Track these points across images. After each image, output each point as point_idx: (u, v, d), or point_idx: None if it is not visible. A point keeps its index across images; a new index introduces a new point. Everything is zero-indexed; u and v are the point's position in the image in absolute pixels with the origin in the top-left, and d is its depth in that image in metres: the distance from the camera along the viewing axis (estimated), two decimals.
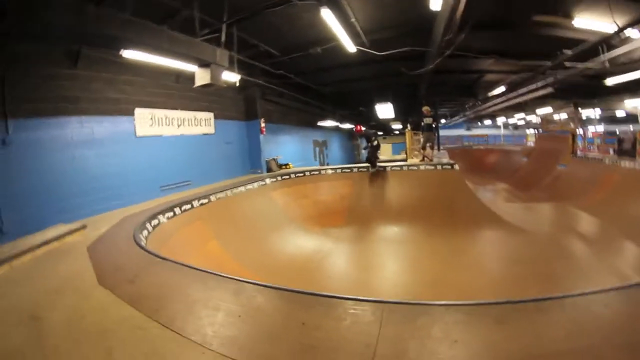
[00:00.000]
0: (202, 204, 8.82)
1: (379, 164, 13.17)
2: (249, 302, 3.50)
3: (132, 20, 5.54)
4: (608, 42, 9.21)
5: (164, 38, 6.11)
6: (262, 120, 14.23)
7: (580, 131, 17.35)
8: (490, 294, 6.42)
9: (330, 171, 13.83)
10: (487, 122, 41.63)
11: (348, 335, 2.78)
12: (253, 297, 3.57)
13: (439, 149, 20.85)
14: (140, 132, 9.43)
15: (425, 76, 13.51)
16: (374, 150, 13.27)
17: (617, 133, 14.88)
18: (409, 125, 18.74)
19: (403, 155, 22.35)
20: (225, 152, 13.12)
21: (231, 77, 8.84)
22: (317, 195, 12.89)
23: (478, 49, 11.45)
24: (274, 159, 14.83)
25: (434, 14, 8.14)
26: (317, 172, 13.78)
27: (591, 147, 17.16)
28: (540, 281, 7.06)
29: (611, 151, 14.04)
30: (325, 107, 20.38)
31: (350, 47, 9.46)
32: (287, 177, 13.07)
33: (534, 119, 31.68)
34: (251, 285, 3.78)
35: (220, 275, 4.05)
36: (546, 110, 23.07)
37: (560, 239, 9.62)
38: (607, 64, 10.15)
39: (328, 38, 9.65)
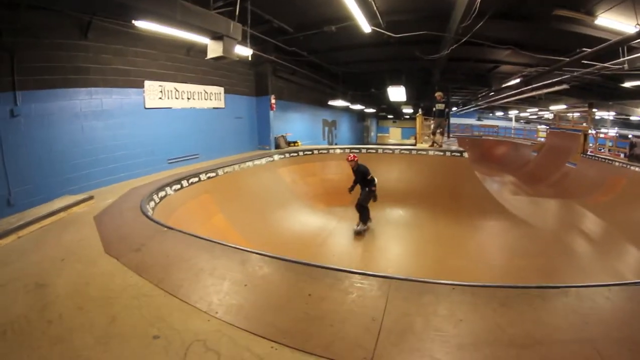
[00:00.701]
0: (209, 178, 8.90)
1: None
2: (255, 271, 3.51)
3: None
4: (629, 43, 8.98)
5: (177, 8, 6.00)
6: (273, 96, 14.12)
7: (592, 131, 17.12)
8: (491, 282, 6.43)
9: (338, 150, 13.84)
10: (499, 113, 41.36)
11: (354, 308, 2.79)
12: (259, 267, 3.57)
13: (448, 136, 20.70)
14: (149, 104, 9.38)
15: (440, 62, 13.32)
16: (368, 196, 9.69)
17: (630, 137, 14.71)
18: (420, 110, 18.59)
19: (412, 140, 22.25)
20: (234, 127, 13.09)
21: (244, 51, 8.73)
22: (324, 174, 12.99)
23: (495, 39, 11.23)
24: (282, 136, 14.76)
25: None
26: (325, 151, 13.88)
27: (602, 149, 17.00)
28: (540, 275, 7.13)
29: (622, 155, 13.84)
30: (337, 87, 20.21)
31: (366, 27, 9.27)
32: (295, 154, 13.12)
33: (546, 114, 31.42)
34: (257, 255, 3.79)
35: (227, 245, 4.06)
36: (560, 107, 22.85)
37: (564, 236, 9.66)
38: (625, 66, 10.00)
39: (343, 17, 9.46)
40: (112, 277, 3.49)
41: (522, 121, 42.44)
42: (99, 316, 2.83)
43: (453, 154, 12.70)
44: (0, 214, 5.90)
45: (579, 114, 21.95)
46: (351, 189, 9.94)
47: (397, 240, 9.53)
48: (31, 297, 3.22)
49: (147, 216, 5.33)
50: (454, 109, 32.39)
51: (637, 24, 7.83)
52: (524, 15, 9.62)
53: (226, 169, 9.70)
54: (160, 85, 9.70)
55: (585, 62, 11.02)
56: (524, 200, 13.86)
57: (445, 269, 7.48)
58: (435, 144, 13.66)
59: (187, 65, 10.63)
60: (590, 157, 15.23)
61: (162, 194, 7.10)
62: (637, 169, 11.65)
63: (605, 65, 10.86)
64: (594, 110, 20.18)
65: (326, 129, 23.71)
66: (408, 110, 26.60)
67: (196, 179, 8.40)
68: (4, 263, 4.06)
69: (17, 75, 6.46)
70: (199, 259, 3.78)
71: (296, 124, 18.06)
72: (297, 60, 14.57)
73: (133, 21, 6.77)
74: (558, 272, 7.45)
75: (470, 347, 2.38)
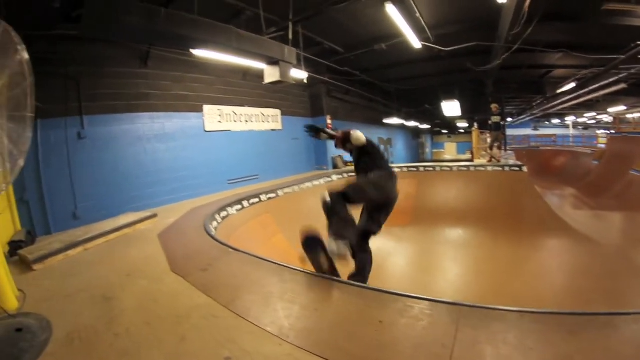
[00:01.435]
0: (269, 198, 9.06)
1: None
2: (324, 296, 3.49)
3: (202, 20, 5.74)
4: None
5: (233, 37, 6.27)
6: (329, 116, 14.31)
7: None
8: (553, 306, 6.10)
9: (395, 170, 13.54)
10: (555, 121, 39.70)
11: (425, 335, 2.75)
12: (328, 293, 3.56)
13: (505, 149, 20.19)
14: (209, 127, 9.84)
15: (492, 72, 13.05)
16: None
17: None
18: (475, 124, 18.24)
19: (468, 155, 21.79)
20: (292, 148, 13.37)
21: (299, 74, 8.95)
22: None
23: (545, 43, 10.98)
24: (340, 156, 14.84)
25: (500, 7, 7.89)
26: None
27: None
28: (605, 298, 6.55)
29: None
30: (390, 105, 20.20)
31: (416, 42, 9.32)
32: (353, 174, 12.94)
33: (605, 117, 29.98)
34: (326, 280, 3.77)
35: (295, 269, 4.06)
36: (619, 108, 21.70)
37: (631, 253, 8.86)
38: None
39: (392, 34, 9.57)
40: (179, 296, 3.55)
41: (580, 127, 40.57)
42: (168, 334, 2.85)
43: (512, 168, 12.33)
44: (67, 226, 6.50)
45: None
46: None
47: (457, 261, 9.30)
48: (98, 309, 3.32)
49: (212, 236, 5.49)
50: (509, 119, 31.54)
51: None
52: (572, 15, 9.28)
53: (286, 190, 9.88)
54: (218, 109, 10.14)
55: None
56: (586, 214, 13.04)
57: (505, 291, 7.20)
58: (493, 159, 13.35)
59: (243, 89, 11.05)
60: None
61: (224, 213, 7.33)
62: None
63: None
64: None
65: (382, 147, 23.39)
66: (463, 124, 26.14)
67: (256, 200, 8.62)
68: (71, 274, 4.28)
69: (83, 101, 7.17)
70: (268, 281, 3.80)
71: None
72: (349, 79, 14.68)
73: (191, 50, 7.09)
74: (624, 294, 6.87)
75: None
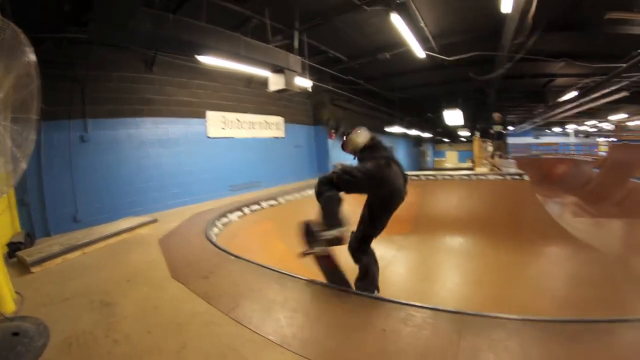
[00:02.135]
0: (270, 205, 9.08)
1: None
2: (327, 305, 3.49)
3: (210, 27, 5.78)
4: None
5: (240, 45, 6.30)
6: None
7: None
8: (553, 314, 6.09)
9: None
10: (556, 129, 39.76)
11: (428, 344, 2.76)
12: (330, 301, 3.55)
13: (507, 158, 20.24)
14: (212, 133, 9.84)
15: (494, 81, 13.07)
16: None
17: None
18: (477, 133, 18.27)
19: (469, 164, 21.84)
20: (294, 155, 13.41)
21: (303, 82, 8.96)
22: None
23: (548, 52, 10.97)
24: (341, 164, 14.65)
25: (504, 17, 7.88)
26: None
27: None
28: (607, 306, 6.60)
29: None
30: (393, 113, 20.19)
31: (419, 52, 9.32)
32: None
33: (606, 125, 29.98)
34: (329, 289, 3.78)
35: (297, 277, 4.06)
36: (620, 116, 21.66)
37: (631, 260, 8.92)
38: None
39: (397, 43, 9.57)
40: (180, 303, 3.53)
41: (581, 135, 40.60)
42: (169, 341, 2.83)
43: (513, 177, 12.37)
44: (67, 229, 6.51)
45: None
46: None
47: (457, 269, 9.30)
48: (96, 314, 3.30)
49: (214, 243, 5.48)
50: (510, 128, 31.58)
51: None
52: (575, 24, 9.27)
53: (287, 197, 9.90)
54: (222, 116, 10.17)
55: None
56: (587, 222, 13.07)
57: (506, 299, 7.21)
58: (494, 168, 13.36)
59: (247, 96, 11.07)
60: None
61: (225, 220, 7.32)
62: None
63: None
64: None
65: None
66: (464, 133, 26.17)
67: (258, 206, 8.63)
68: (70, 278, 4.25)
69: (87, 104, 7.17)
70: (270, 289, 3.78)
71: None
72: (353, 88, 14.66)
73: (196, 56, 7.11)
74: (625, 302, 6.92)
75: None
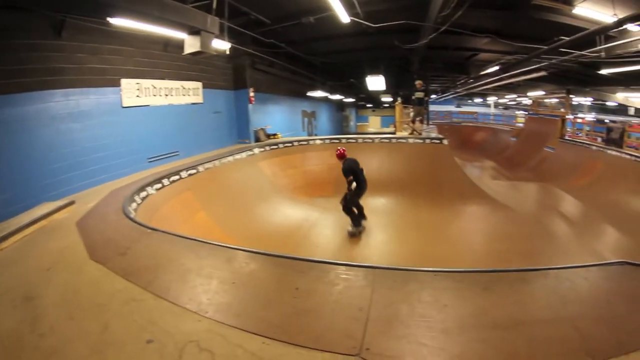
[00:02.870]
0: (190, 175, 8.82)
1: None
2: (241, 269, 3.56)
3: None
4: (606, 32, 9.12)
5: (154, 5, 5.92)
6: (251, 89, 14.01)
7: (570, 117, 17.38)
8: (473, 266, 6.52)
9: (318, 141, 13.79)
10: (478, 100, 41.76)
11: (341, 299, 2.87)
12: (246, 264, 3.63)
13: (428, 124, 20.88)
14: (126, 102, 9.21)
15: (419, 50, 13.38)
16: (351, 197, 8.55)
17: (607, 122, 15.03)
18: (399, 99, 18.67)
19: (392, 128, 22.40)
20: (213, 122, 13.02)
21: (221, 45, 8.66)
22: (305, 165, 12.93)
23: (474, 27, 11.35)
24: (262, 129, 14.62)
25: None
26: (305, 142, 13.77)
27: (579, 134, 17.20)
28: (521, 258, 7.27)
29: (599, 139, 14.07)
30: (315, 78, 20.21)
31: (345, 17, 9.27)
32: (275, 147, 13.05)
33: (524, 100, 31.80)
34: (243, 252, 3.85)
35: (212, 244, 4.09)
36: (538, 93, 23.24)
37: (543, 218, 9.88)
38: (603, 54, 10.19)
39: (322, 7, 9.40)
40: (100, 284, 3.45)
41: (500, 107, 42.93)
42: (91, 324, 2.80)
43: (433, 141, 12.80)
44: None
45: (557, 100, 22.30)
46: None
47: (380, 228, 9.47)
48: (20, 311, 3.15)
49: (131, 218, 5.28)
50: (433, 96, 32.59)
51: (614, 14, 7.97)
52: (503, 5, 9.74)
53: (207, 165, 9.64)
54: (137, 83, 9.53)
55: (563, 50, 11.21)
56: (503, 184, 14.08)
57: (428, 255, 7.59)
58: (415, 132, 13.75)
59: (164, 61, 10.44)
60: (568, 141, 15.44)
61: (143, 194, 7.00)
62: (613, 152, 11.86)
63: (582, 53, 11.07)
64: (571, 96, 20.64)
65: (305, 120, 23.73)
66: (387, 99, 26.69)
67: (177, 177, 8.33)
68: None
69: None
70: (186, 259, 3.79)
71: (275, 116, 17.98)
72: (275, 52, 14.50)
73: (108, 19, 6.63)
74: (539, 254, 7.66)
75: (456, 330, 2.47)
